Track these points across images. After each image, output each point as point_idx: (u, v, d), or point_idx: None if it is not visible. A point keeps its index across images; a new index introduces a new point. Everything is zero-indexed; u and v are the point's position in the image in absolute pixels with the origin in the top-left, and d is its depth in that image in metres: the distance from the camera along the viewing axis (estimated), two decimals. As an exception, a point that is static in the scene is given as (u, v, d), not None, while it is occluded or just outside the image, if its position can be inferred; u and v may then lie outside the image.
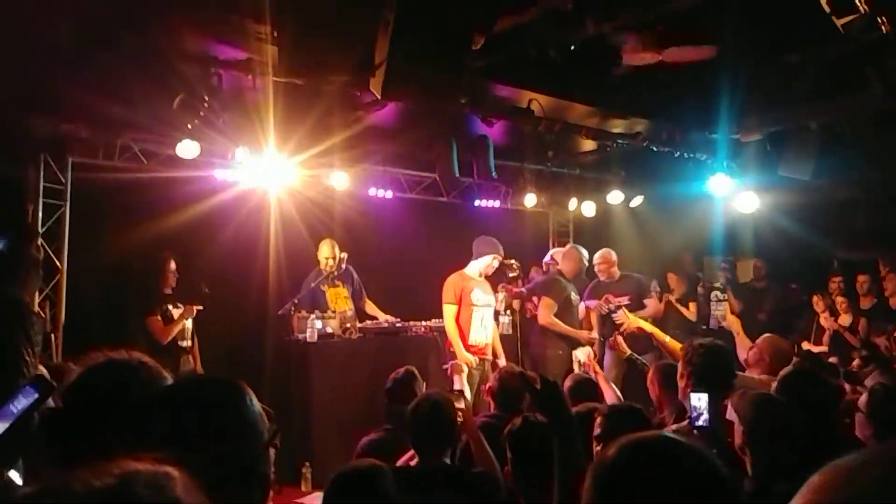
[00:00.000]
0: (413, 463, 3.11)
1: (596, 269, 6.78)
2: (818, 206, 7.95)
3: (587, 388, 4.15)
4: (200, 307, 5.88)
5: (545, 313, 6.44)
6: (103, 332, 5.45)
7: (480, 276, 6.09)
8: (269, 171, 5.98)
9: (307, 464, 5.61)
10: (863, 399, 2.91)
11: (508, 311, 6.60)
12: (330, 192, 6.77)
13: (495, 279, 6.36)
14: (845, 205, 8.23)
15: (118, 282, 5.95)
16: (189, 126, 5.36)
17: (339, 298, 6.79)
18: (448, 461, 3.07)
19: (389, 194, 7.33)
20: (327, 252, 6.63)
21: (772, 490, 2.39)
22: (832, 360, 6.86)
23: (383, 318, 6.69)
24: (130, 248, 5.85)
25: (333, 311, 6.44)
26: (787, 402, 2.72)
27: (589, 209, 8.13)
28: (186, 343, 6.11)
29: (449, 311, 5.94)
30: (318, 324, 6.24)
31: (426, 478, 2.89)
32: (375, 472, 2.46)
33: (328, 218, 6.99)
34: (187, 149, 5.53)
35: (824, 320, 7.57)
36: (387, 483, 2.42)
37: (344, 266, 6.65)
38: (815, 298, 7.77)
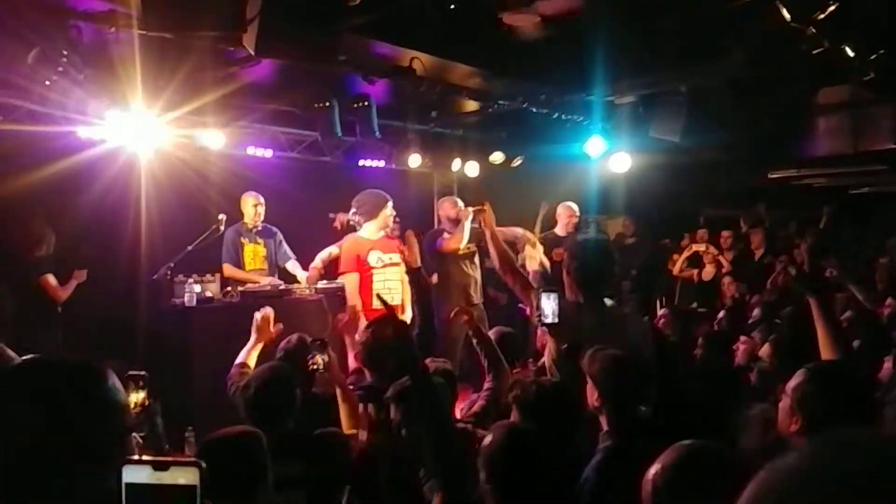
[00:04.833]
0: None
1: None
2: (685, 166, 8.40)
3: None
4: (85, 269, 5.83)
5: None
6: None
7: (379, 233, 5.80)
8: (137, 129, 5.68)
9: (189, 428, 5.48)
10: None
11: None
12: (204, 153, 6.52)
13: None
14: (710, 166, 8.73)
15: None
16: (47, 82, 5.02)
17: (257, 258, 6.59)
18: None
19: (269, 154, 7.14)
20: (253, 201, 6.44)
21: (633, 448, 2.43)
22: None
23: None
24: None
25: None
26: (637, 360, 2.79)
27: (472, 169, 8.23)
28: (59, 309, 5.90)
29: (350, 279, 5.65)
30: (197, 288, 6.06)
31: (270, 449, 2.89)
32: (248, 437, 2.43)
33: (202, 180, 6.74)
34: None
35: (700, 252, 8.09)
36: (260, 447, 2.39)
37: (261, 223, 6.49)
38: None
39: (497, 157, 8.14)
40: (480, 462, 2.08)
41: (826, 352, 2.61)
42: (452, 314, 4.00)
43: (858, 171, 9.20)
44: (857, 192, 10.26)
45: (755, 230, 8.33)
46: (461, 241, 6.16)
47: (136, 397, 2.29)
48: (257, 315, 4.04)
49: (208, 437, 2.47)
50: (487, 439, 2.13)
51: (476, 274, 6.49)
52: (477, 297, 6.47)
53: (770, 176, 9.42)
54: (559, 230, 7.03)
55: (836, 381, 2.14)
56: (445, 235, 6.33)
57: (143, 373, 2.30)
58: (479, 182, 8.27)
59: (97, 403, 1.24)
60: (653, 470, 1.67)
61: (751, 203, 9.21)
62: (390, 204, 5.78)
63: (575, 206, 7.06)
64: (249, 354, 3.90)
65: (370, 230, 5.78)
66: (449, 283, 6.38)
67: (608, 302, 3.57)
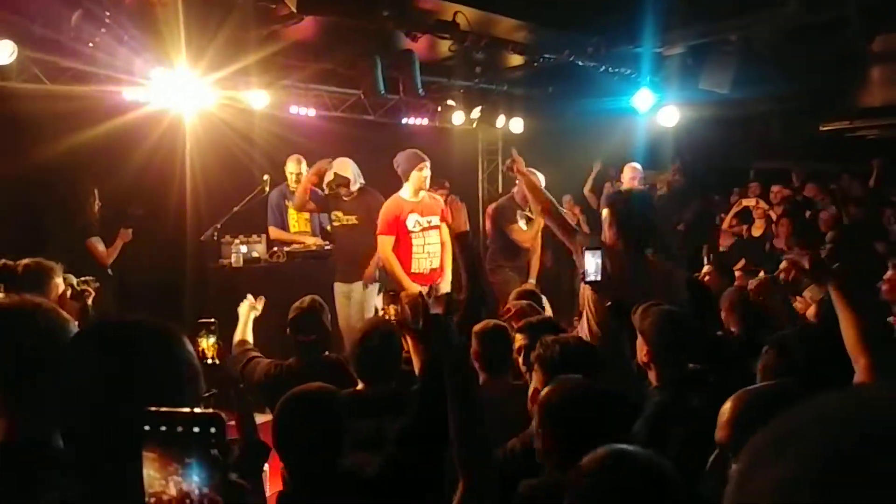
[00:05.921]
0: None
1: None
2: (735, 119, 8.16)
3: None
4: (130, 229, 5.87)
5: None
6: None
7: (417, 193, 5.57)
8: (183, 90, 5.69)
9: (241, 386, 5.61)
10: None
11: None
12: (248, 114, 6.52)
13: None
14: (761, 118, 8.47)
15: (24, 205, 5.68)
16: (91, 44, 5.04)
17: (301, 220, 6.63)
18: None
19: (312, 113, 7.11)
20: (293, 167, 6.45)
21: (684, 402, 2.46)
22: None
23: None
24: (37, 171, 5.56)
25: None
26: (688, 315, 2.77)
27: (517, 126, 8.10)
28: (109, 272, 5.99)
29: (384, 242, 5.45)
30: (244, 248, 6.14)
31: (376, 404, 2.88)
32: (326, 394, 2.43)
33: (245, 141, 6.75)
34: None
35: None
36: (337, 405, 2.38)
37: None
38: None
39: (542, 113, 8.00)
40: (538, 415, 2.04)
41: (850, 341, 2.15)
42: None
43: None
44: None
45: (808, 186, 8.11)
46: (532, 238, 6.23)
47: (208, 342, 2.39)
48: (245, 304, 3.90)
49: (287, 393, 2.43)
50: (545, 393, 2.10)
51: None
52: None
53: (822, 128, 9.12)
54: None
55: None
56: (520, 223, 6.25)
57: (212, 320, 2.41)
58: (524, 139, 8.15)
59: (173, 368, 1.22)
60: (729, 407, 1.63)
61: (802, 155, 8.95)
62: (423, 165, 5.51)
63: (639, 166, 7.22)
64: (245, 332, 3.86)
65: (409, 191, 5.58)
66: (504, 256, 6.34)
67: (649, 253, 3.61)
